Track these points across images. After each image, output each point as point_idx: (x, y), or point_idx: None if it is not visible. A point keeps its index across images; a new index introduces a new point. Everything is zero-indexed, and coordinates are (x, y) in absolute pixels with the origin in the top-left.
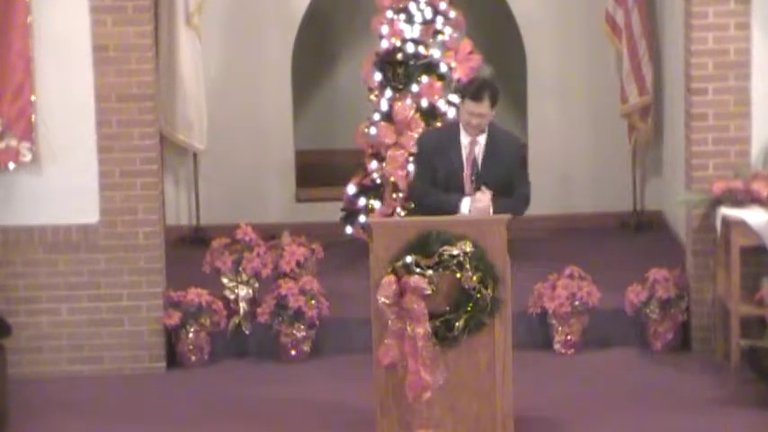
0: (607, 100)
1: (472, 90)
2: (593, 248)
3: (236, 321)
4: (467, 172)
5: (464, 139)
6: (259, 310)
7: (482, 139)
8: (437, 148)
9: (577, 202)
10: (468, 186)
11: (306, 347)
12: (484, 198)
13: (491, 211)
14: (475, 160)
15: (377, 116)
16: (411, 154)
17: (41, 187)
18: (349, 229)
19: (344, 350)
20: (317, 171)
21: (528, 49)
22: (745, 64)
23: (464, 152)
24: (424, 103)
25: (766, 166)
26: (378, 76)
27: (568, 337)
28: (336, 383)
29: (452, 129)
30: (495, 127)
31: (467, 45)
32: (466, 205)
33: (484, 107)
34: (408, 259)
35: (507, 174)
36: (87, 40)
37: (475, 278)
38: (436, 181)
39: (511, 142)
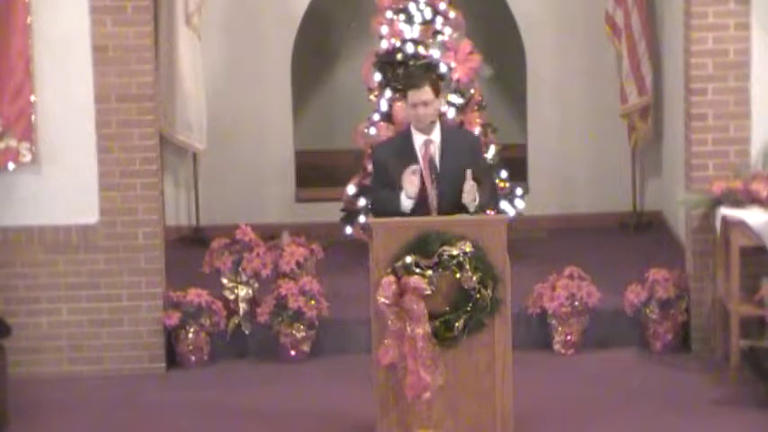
0: (607, 100)
1: (412, 79)
2: (592, 249)
3: (236, 322)
4: (425, 173)
5: (417, 141)
6: (259, 310)
7: (436, 137)
8: (392, 155)
9: (577, 202)
10: (429, 186)
11: (305, 348)
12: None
13: (476, 194)
14: (432, 160)
15: (376, 116)
16: None
17: (41, 188)
18: (349, 230)
19: (344, 350)
20: (317, 171)
21: (528, 49)
22: (745, 64)
23: (419, 154)
24: None
25: (766, 167)
26: (377, 77)
27: (568, 338)
28: (336, 384)
29: (405, 134)
30: (449, 125)
31: (466, 45)
32: (406, 202)
33: (426, 93)
34: (408, 259)
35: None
36: (87, 40)
37: (474, 278)
38: (394, 188)
39: (466, 137)
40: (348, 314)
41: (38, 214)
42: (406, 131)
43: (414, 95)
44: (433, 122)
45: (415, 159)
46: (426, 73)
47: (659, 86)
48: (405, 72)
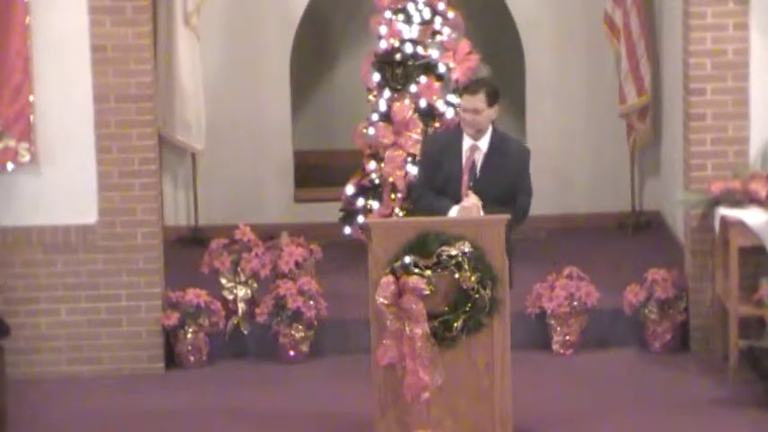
0: (606, 100)
1: (470, 85)
2: (591, 249)
3: (235, 322)
4: (464, 178)
5: (465, 144)
6: (258, 310)
7: (484, 145)
8: (439, 150)
9: (576, 202)
10: (464, 192)
11: (304, 348)
12: (471, 200)
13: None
14: (474, 166)
15: (375, 116)
16: (410, 154)
17: (40, 188)
18: (347, 230)
19: (343, 351)
20: (316, 171)
21: (526, 49)
22: (744, 64)
23: (464, 157)
24: (423, 103)
25: (764, 167)
26: (376, 77)
27: (567, 338)
28: (335, 384)
29: (456, 132)
30: (502, 135)
31: (465, 45)
32: (453, 214)
33: (478, 101)
34: (407, 260)
35: (508, 184)
36: (86, 40)
37: (473, 278)
38: (435, 184)
39: (517, 153)
40: (347, 314)
41: (37, 214)
42: (458, 131)
43: (466, 101)
44: (481, 131)
45: (457, 160)
46: (485, 84)
47: (658, 86)
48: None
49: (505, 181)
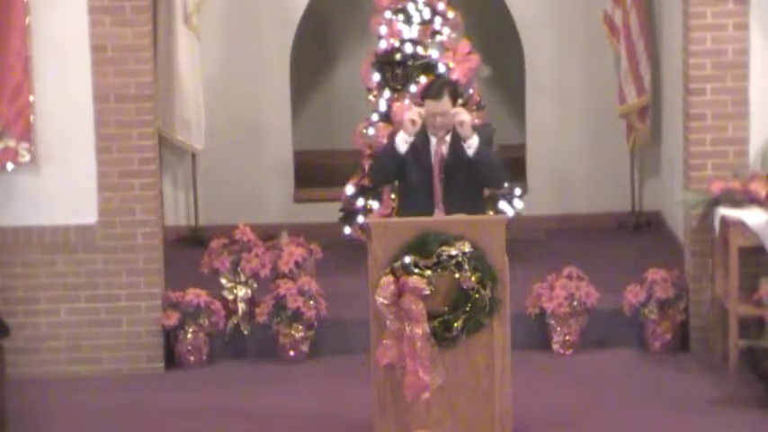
0: (605, 100)
1: (432, 90)
2: (591, 249)
3: (235, 322)
4: (436, 172)
5: (432, 141)
6: (257, 310)
7: (447, 136)
8: (414, 154)
9: (576, 202)
10: (437, 186)
11: (304, 348)
12: (460, 111)
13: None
14: (443, 158)
15: (375, 117)
16: None
17: (40, 188)
18: (347, 230)
19: (343, 351)
20: (316, 171)
21: (526, 49)
22: (744, 64)
23: (433, 153)
24: None
25: (764, 167)
26: (376, 77)
27: (567, 338)
28: (335, 384)
29: (421, 133)
30: None
31: (465, 45)
32: (401, 138)
33: (445, 104)
34: (407, 260)
35: (473, 162)
36: (86, 40)
37: (473, 278)
38: (409, 184)
39: (477, 129)
40: (347, 314)
41: (36, 214)
42: (422, 130)
43: (433, 106)
44: (449, 129)
45: (428, 159)
46: (446, 84)
47: (658, 86)
48: (428, 81)
49: (470, 161)
